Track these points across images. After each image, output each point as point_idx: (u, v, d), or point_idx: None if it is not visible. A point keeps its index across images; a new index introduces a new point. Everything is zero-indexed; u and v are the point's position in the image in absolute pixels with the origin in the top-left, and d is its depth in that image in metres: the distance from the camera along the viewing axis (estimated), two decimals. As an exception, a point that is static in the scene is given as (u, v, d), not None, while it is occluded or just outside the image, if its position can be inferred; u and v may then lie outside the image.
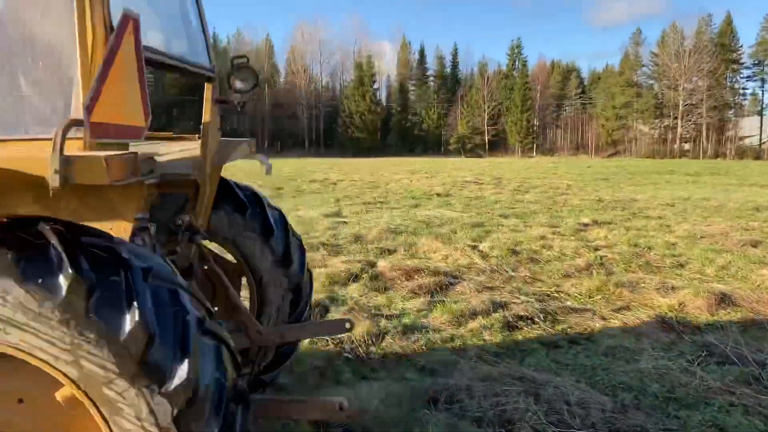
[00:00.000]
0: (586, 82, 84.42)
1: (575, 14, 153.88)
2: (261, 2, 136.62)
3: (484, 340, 4.38)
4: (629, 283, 6.18)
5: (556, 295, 5.77)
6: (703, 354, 3.97)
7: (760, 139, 67.57)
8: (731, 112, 66.82)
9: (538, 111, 79.45)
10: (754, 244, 8.42)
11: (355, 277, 6.24)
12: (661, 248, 8.13)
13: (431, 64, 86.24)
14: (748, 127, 68.57)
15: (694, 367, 3.75)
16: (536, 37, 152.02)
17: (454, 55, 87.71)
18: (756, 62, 69.20)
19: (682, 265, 7.15)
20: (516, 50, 78.99)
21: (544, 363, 3.92)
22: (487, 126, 75.44)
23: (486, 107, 75.32)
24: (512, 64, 78.90)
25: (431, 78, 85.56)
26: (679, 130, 64.99)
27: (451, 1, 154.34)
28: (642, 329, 4.54)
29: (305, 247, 3.33)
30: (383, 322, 4.68)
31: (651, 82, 71.35)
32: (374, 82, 77.94)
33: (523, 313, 4.88)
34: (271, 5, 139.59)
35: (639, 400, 3.34)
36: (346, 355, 4.05)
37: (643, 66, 72.59)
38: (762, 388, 3.50)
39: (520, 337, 4.45)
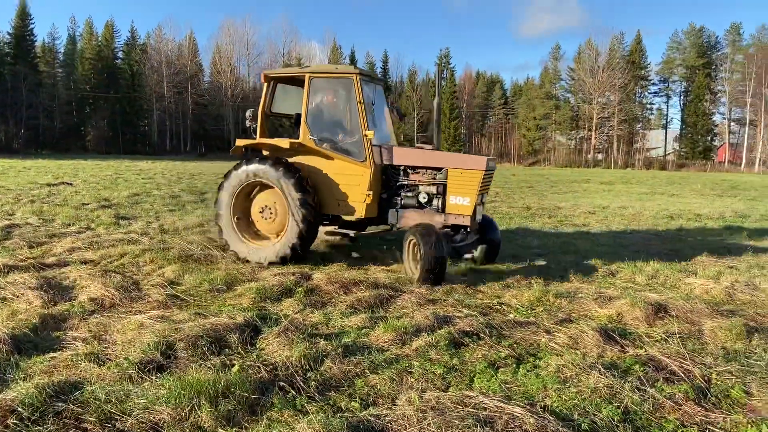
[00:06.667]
0: (509, 93, 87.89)
1: (501, 24, 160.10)
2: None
3: (430, 359, 4.09)
4: (567, 293, 6.17)
5: (498, 307, 5.62)
6: (650, 369, 3.89)
7: (665, 151, 73.29)
8: (639, 125, 71.83)
9: (465, 120, 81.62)
10: (675, 252, 8.80)
11: (289, 292, 5.79)
12: (591, 256, 8.29)
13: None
14: (654, 140, 74.33)
15: (645, 385, 3.65)
16: (464, 46, 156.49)
17: (385, 61, 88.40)
18: (662, 79, 75.20)
19: (613, 274, 7.28)
20: (444, 59, 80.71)
21: (494, 386, 3.68)
22: (417, 133, 76.41)
23: (416, 115, 76.32)
24: (440, 73, 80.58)
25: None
26: (593, 141, 69.08)
27: (381, 7, 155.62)
28: (587, 344, 4.44)
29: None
30: (322, 342, 4.28)
31: (568, 95, 75.41)
32: (304, 85, 76.63)
33: (468, 329, 4.64)
34: (195, 4, 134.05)
35: (595, 424, 3.17)
36: (280, 383, 3.61)
37: (561, 80, 76.67)
38: (710, 405, 3.46)
39: (467, 356, 4.20)
